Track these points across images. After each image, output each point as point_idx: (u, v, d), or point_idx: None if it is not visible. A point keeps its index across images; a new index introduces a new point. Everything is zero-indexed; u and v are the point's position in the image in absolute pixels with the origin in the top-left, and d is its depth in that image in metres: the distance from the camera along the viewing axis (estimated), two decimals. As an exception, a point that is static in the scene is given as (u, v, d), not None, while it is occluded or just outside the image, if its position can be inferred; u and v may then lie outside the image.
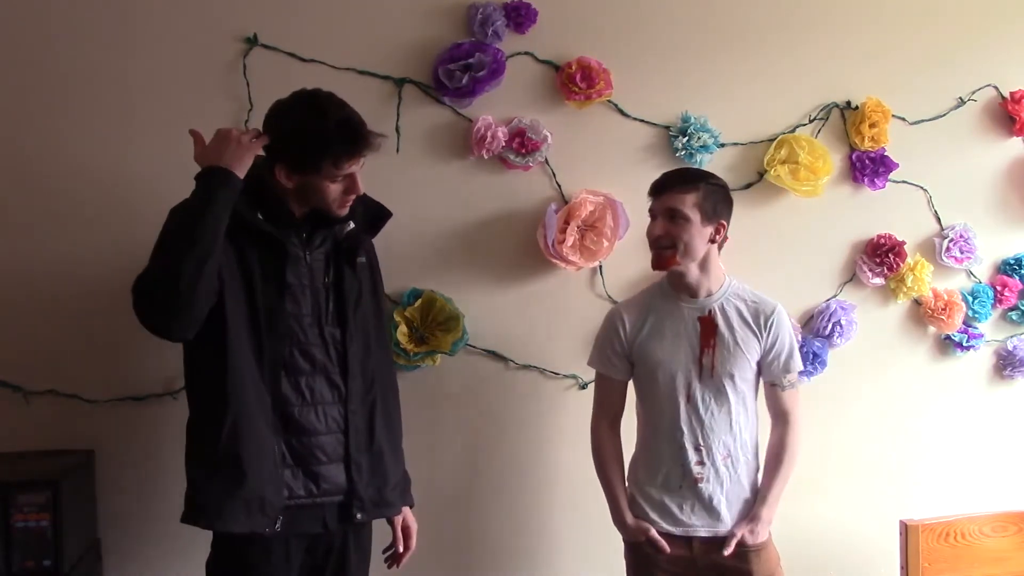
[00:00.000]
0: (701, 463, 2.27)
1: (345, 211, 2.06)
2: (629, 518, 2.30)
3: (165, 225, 1.93)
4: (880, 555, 2.73)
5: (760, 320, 2.31)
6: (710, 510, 2.27)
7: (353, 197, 2.05)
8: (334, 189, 2.01)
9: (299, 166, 1.98)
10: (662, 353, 2.28)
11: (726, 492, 2.28)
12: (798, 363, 2.37)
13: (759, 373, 2.34)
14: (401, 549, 2.26)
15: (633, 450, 2.39)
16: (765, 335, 2.31)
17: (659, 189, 2.28)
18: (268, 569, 2.02)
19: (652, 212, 2.30)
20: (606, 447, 2.36)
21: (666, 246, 2.25)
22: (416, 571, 2.61)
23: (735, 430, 2.29)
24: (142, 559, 2.50)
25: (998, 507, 2.76)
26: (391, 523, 2.25)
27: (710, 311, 2.30)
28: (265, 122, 2.04)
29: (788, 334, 2.34)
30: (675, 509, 2.28)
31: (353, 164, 2.01)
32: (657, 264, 2.29)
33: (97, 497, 2.44)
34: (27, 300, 2.42)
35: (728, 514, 2.28)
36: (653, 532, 2.26)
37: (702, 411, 2.27)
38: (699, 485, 2.27)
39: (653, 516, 2.28)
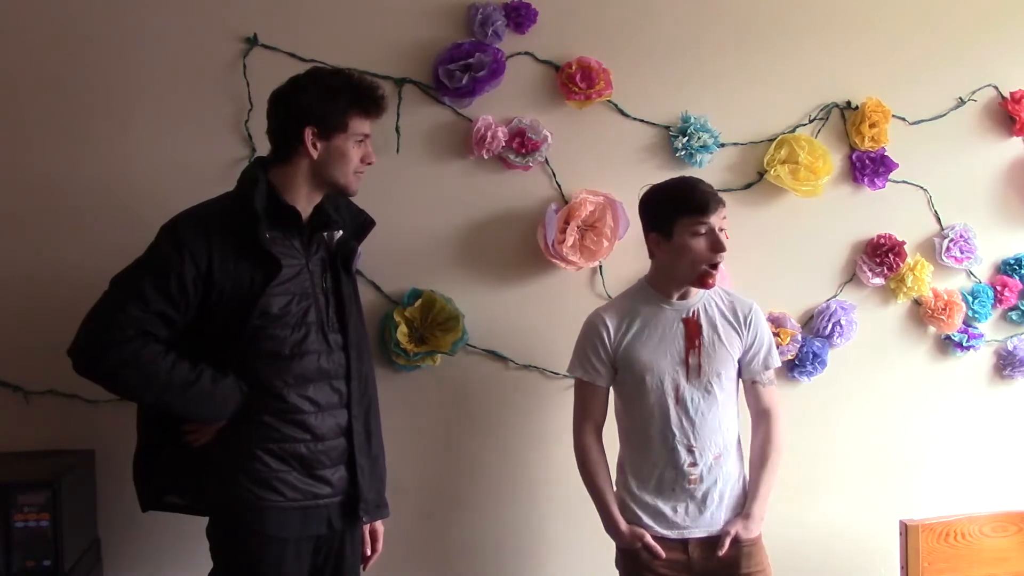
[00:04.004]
0: (694, 464, 2.27)
1: (358, 187, 2.11)
2: (623, 525, 2.28)
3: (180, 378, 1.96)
4: (880, 555, 2.74)
5: (740, 317, 2.34)
6: (704, 510, 2.28)
7: (365, 170, 2.10)
8: (355, 154, 2.06)
9: (328, 124, 2.02)
10: (649, 356, 2.28)
11: (719, 491, 2.29)
12: (776, 359, 2.40)
13: (739, 371, 2.36)
14: (369, 552, 2.26)
15: (616, 455, 2.38)
16: (746, 332, 2.34)
17: (717, 204, 2.23)
18: (282, 572, 2.03)
19: (708, 227, 2.21)
20: (594, 456, 2.33)
21: (718, 261, 2.23)
22: (417, 571, 2.63)
23: (723, 428, 2.31)
24: (142, 559, 2.50)
25: (998, 507, 2.76)
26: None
27: (694, 312, 2.31)
28: (284, 94, 2.07)
29: (766, 330, 2.39)
30: (669, 512, 2.27)
31: (370, 122, 2.08)
32: (711, 281, 2.25)
33: (97, 497, 2.44)
34: (27, 300, 2.42)
35: (720, 513, 2.29)
36: (648, 538, 2.26)
37: (692, 412, 2.27)
38: (692, 486, 2.27)
39: (647, 521, 2.28)
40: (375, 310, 2.55)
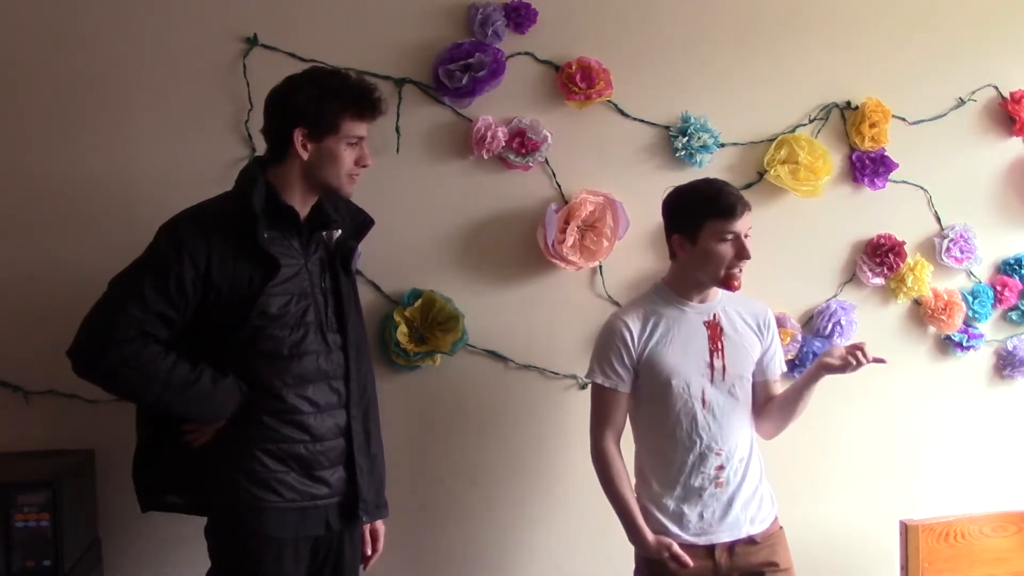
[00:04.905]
0: (721, 467, 2.25)
1: (353, 189, 2.09)
2: (650, 535, 2.24)
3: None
4: (880, 555, 2.73)
5: (759, 322, 2.35)
6: (729, 513, 2.26)
7: (360, 172, 2.09)
8: (348, 156, 2.05)
9: (319, 126, 2.01)
10: (675, 360, 2.25)
11: (744, 493, 2.28)
12: (783, 360, 2.44)
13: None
14: (369, 551, 2.26)
15: (633, 462, 2.35)
16: (766, 335, 2.35)
17: (744, 208, 2.22)
18: (280, 572, 2.03)
19: (735, 233, 2.21)
20: (616, 464, 2.28)
21: (742, 267, 2.24)
22: (416, 571, 2.63)
23: (746, 430, 2.31)
24: (142, 559, 2.50)
25: (998, 507, 2.76)
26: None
27: (715, 315, 2.30)
28: (279, 94, 2.06)
29: (777, 332, 2.41)
30: (695, 517, 2.25)
31: (366, 125, 2.06)
32: (736, 283, 2.24)
33: (97, 497, 2.44)
34: (27, 300, 2.42)
35: (745, 514, 2.27)
36: (676, 547, 2.22)
37: (718, 415, 2.25)
38: (719, 490, 2.25)
39: (674, 530, 2.25)
40: (375, 310, 2.55)
